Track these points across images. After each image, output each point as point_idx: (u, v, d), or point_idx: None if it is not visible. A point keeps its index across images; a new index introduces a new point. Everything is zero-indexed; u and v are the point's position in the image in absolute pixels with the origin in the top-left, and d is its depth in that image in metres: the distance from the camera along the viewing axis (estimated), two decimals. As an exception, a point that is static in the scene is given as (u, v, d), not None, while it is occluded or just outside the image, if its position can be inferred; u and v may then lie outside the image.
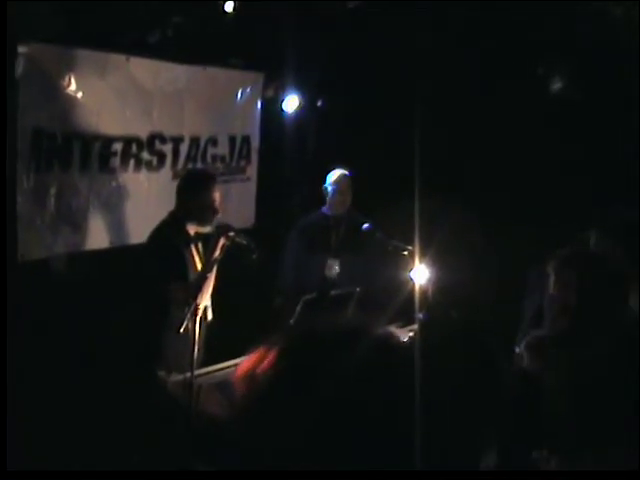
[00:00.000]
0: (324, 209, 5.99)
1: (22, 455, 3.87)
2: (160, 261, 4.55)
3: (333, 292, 5.21)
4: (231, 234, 4.42)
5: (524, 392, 2.94)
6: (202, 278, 4.37)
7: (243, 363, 1.57)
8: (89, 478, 3.47)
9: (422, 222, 4.67)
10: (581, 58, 6.69)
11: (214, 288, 4.61)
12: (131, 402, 4.17)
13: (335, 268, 5.80)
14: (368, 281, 5.46)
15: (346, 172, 5.94)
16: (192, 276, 4.59)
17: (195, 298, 4.22)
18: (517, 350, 3.38)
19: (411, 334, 5.03)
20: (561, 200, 6.49)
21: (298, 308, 4.71)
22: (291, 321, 4.69)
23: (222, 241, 4.40)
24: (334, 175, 5.93)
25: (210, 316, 4.68)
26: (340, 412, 1.43)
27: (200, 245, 4.72)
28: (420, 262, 4.96)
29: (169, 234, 4.66)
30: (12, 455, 3.41)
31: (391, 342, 1.61)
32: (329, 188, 5.92)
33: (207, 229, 4.70)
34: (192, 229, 4.71)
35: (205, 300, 4.51)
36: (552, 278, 3.31)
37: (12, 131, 4.94)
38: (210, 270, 4.41)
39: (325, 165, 6.00)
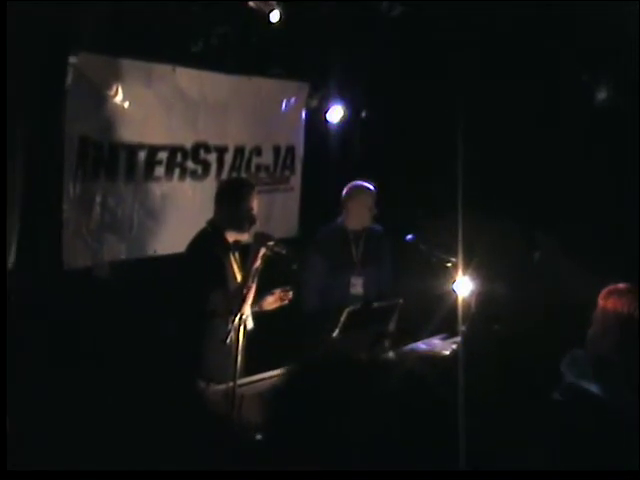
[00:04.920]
0: (340, 221, 5.67)
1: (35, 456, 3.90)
2: (201, 270, 4.55)
3: (376, 304, 5.16)
4: (270, 243, 4.41)
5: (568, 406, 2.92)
6: (244, 288, 4.37)
7: None
8: (89, 478, 3.47)
9: (466, 234, 4.62)
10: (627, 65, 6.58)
11: (254, 297, 4.61)
12: (171, 412, 4.18)
13: (360, 285, 5.55)
14: (397, 295, 5.26)
15: (370, 186, 5.59)
16: (231, 285, 4.59)
17: (239, 308, 4.23)
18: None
19: (454, 346, 4.99)
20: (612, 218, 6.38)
21: (342, 319, 4.69)
22: (334, 333, 4.67)
23: (262, 250, 4.39)
24: (356, 188, 5.60)
25: (251, 325, 4.68)
26: (376, 430, 1.42)
27: (237, 254, 4.72)
28: (464, 274, 4.91)
29: (209, 243, 4.67)
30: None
31: (422, 370, 1.60)
32: (349, 202, 5.57)
33: (245, 237, 4.71)
34: (230, 237, 4.71)
35: (246, 309, 4.51)
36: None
37: (60, 140, 5.02)
38: (252, 280, 4.40)
39: (369, 176, 5.91)
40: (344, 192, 5.64)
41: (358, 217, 5.60)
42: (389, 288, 5.60)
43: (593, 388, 3.13)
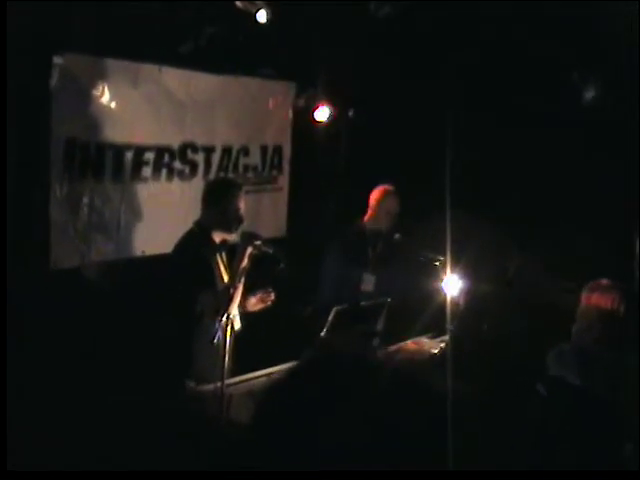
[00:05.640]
0: (361, 222, 5.81)
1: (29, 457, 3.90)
2: (187, 270, 4.54)
3: (364, 303, 5.17)
4: (257, 243, 4.41)
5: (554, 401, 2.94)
6: (231, 287, 4.36)
7: None
8: (89, 478, 3.47)
9: (454, 233, 4.63)
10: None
11: (241, 297, 4.61)
12: (160, 412, 4.17)
13: (371, 283, 5.64)
14: (405, 294, 5.33)
15: (394, 190, 5.74)
16: (219, 285, 4.58)
17: (226, 308, 4.22)
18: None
19: (442, 345, 5.01)
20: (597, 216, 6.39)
21: (330, 318, 4.69)
22: (323, 332, 4.67)
23: (249, 250, 4.39)
24: (384, 192, 5.74)
25: (238, 325, 4.67)
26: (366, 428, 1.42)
27: (224, 254, 4.71)
28: (452, 273, 4.92)
29: (196, 243, 4.65)
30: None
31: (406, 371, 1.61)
32: (377, 204, 5.72)
33: (232, 237, 4.70)
34: (217, 237, 4.70)
35: (233, 309, 4.50)
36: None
37: (46, 141, 5.00)
38: (239, 280, 4.40)
39: (356, 176, 5.93)
40: (374, 194, 5.76)
41: (381, 219, 5.71)
42: (406, 288, 5.61)
43: (577, 381, 3.16)
